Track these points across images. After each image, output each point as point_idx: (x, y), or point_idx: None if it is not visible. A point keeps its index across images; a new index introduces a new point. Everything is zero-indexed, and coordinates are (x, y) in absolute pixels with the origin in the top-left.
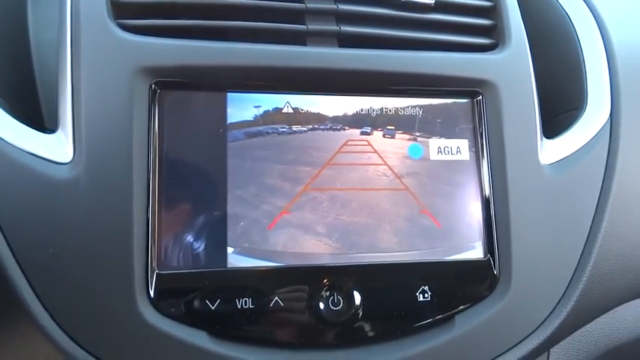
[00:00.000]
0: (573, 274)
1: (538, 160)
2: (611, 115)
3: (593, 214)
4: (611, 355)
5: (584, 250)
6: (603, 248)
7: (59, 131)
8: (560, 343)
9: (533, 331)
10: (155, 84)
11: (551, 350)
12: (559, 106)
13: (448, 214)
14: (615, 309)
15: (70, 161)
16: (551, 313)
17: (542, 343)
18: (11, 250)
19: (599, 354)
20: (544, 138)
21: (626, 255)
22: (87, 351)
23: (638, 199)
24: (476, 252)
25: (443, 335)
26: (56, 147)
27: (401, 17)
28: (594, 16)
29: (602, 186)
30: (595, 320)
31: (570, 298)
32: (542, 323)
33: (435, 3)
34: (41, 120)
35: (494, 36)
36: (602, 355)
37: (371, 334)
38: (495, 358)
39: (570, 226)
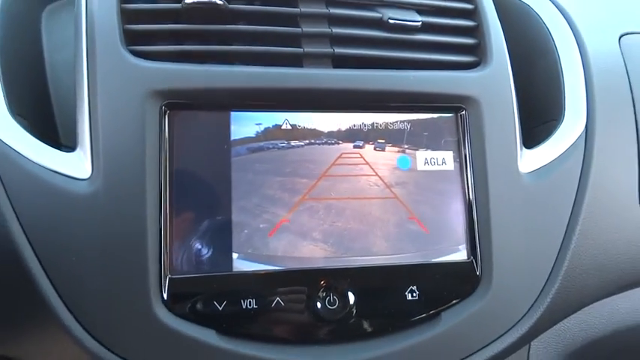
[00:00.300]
0: (550, 273)
1: (517, 169)
2: (586, 126)
3: (568, 218)
4: (588, 348)
5: (559, 251)
6: (578, 250)
7: (78, 149)
8: (540, 337)
9: (512, 326)
10: (165, 105)
11: (531, 343)
12: (539, 117)
13: (434, 220)
14: (592, 305)
15: (89, 177)
16: (529, 309)
17: (522, 337)
18: (38, 258)
19: (576, 347)
20: (524, 148)
21: (599, 255)
22: (108, 349)
23: (610, 204)
24: (460, 254)
25: (430, 330)
26: (76, 164)
27: (390, 38)
28: (572, 30)
29: (577, 192)
30: (572, 316)
31: (547, 296)
32: (521, 319)
33: (422, 24)
34: (57, 136)
35: (477, 54)
36: (579, 348)
37: (364, 330)
38: (478, 350)
39: (547, 230)
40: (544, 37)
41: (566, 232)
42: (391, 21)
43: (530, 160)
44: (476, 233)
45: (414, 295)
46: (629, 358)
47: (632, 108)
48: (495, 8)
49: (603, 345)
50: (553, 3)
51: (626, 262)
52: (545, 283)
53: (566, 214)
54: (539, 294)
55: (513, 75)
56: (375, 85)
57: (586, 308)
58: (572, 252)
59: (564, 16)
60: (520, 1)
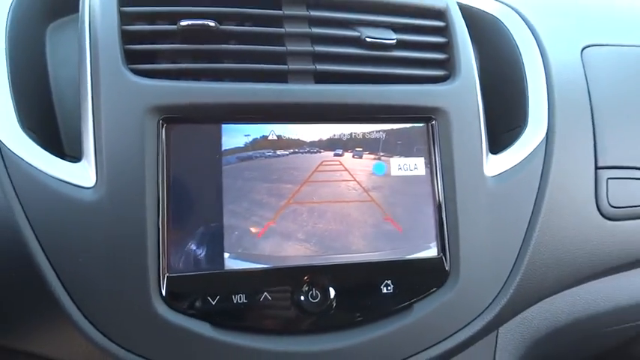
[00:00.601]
0: (512, 267)
1: (483, 173)
2: (547, 133)
3: (529, 217)
4: (552, 336)
5: (521, 247)
6: (538, 246)
7: (83, 160)
8: (507, 326)
9: (478, 315)
10: (162, 119)
11: (499, 332)
12: (507, 124)
13: (407, 220)
14: (554, 297)
15: (94, 185)
16: (493, 300)
17: (487, 325)
18: (49, 261)
19: (541, 335)
20: (490, 153)
21: (558, 251)
22: (113, 341)
23: (569, 204)
24: (431, 251)
25: (403, 320)
26: (81, 174)
27: (367, 55)
28: (537, 42)
29: (537, 193)
30: (536, 306)
31: (510, 288)
32: (486, 309)
33: (397, 41)
34: (61, 147)
35: (447, 68)
36: (544, 336)
37: (343, 320)
38: (447, 337)
39: (510, 228)
40: (511, 48)
41: (527, 229)
42: (368, 39)
43: (495, 164)
44: (445, 232)
45: (389, 288)
46: (590, 344)
47: (590, 116)
48: (468, 22)
49: (566, 333)
50: (521, 17)
51: (583, 257)
52: (508, 276)
53: (527, 213)
54: (503, 286)
55: (483, 84)
56: (353, 99)
57: (549, 299)
58: (532, 248)
59: (530, 29)
60: (491, 15)
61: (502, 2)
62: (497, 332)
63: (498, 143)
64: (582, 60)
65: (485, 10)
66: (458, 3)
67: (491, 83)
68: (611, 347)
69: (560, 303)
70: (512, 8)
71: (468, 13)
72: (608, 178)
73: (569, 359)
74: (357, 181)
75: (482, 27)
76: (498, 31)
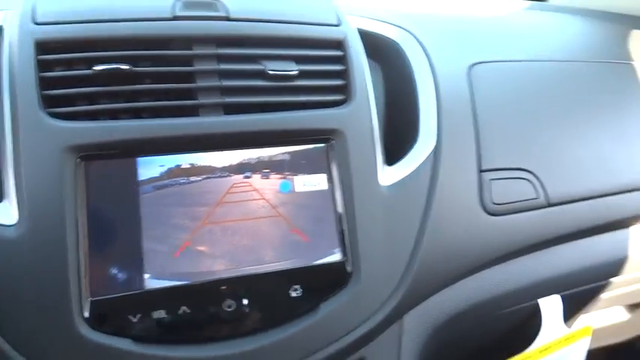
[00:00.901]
0: (407, 265)
1: (378, 183)
2: (435, 144)
3: (420, 221)
4: (452, 322)
5: (414, 247)
6: (429, 245)
7: (5, 200)
8: (411, 314)
9: (378, 308)
10: (80, 157)
11: (404, 320)
12: (404, 137)
13: (313, 231)
14: (452, 286)
15: (16, 223)
16: (391, 294)
17: (387, 316)
18: None
19: (442, 322)
20: (385, 165)
21: (448, 248)
22: None
23: (455, 205)
24: (335, 256)
25: (310, 319)
26: (4, 212)
27: (271, 86)
28: (429, 62)
29: (426, 198)
30: (436, 295)
31: (406, 282)
32: (385, 302)
33: (299, 72)
34: None
35: (344, 93)
36: (445, 321)
37: (257, 325)
38: (352, 330)
39: (403, 230)
40: (408, 69)
41: (418, 230)
42: (271, 72)
43: (389, 175)
44: (346, 238)
45: (298, 292)
46: (489, 327)
47: (474, 126)
48: (373, 47)
49: (465, 317)
50: (417, 40)
51: (473, 250)
52: (404, 272)
53: (419, 215)
54: (400, 281)
55: (387, 102)
56: (259, 126)
57: (446, 289)
58: (424, 245)
59: (424, 51)
60: (391, 39)
61: (401, 27)
62: (402, 322)
63: (398, 155)
64: (470, 76)
65: (387, 35)
66: (362, 30)
67: (393, 101)
68: (507, 330)
69: (458, 291)
70: (410, 32)
71: (372, 39)
72: (491, 179)
73: (471, 344)
74: (266, 199)
75: (385, 51)
76: (398, 54)
